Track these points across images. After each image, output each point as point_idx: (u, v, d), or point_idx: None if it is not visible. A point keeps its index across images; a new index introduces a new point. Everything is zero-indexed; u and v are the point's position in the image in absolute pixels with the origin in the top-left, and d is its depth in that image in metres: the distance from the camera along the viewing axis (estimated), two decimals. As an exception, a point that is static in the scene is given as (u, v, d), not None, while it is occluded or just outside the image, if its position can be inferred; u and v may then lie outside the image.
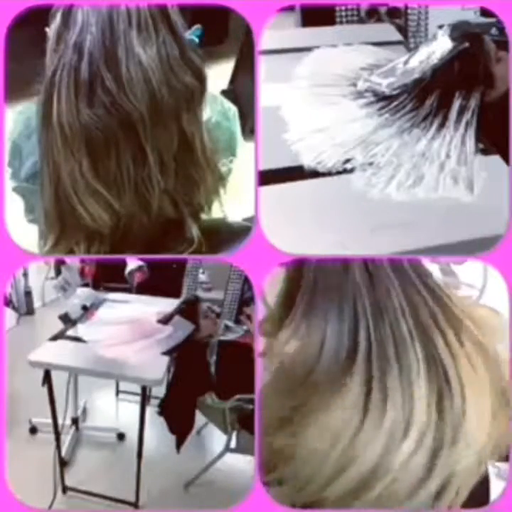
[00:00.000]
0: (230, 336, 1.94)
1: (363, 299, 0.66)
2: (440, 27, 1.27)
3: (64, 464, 1.93)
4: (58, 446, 1.88)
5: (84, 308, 2.03)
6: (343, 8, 1.75)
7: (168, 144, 0.83)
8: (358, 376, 0.62)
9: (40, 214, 0.90)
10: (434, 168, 1.11)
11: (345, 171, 1.12)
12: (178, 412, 1.89)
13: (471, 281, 1.23)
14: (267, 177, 1.08)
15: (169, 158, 0.84)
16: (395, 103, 1.24)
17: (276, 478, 0.64)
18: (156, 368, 1.66)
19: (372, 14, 1.78)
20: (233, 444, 2.02)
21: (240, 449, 2.01)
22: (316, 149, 1.16)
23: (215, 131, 1.01)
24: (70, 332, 1.89)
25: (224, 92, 2.05)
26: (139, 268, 2.38)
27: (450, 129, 1.18)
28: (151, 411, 1.95)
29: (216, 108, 1.08)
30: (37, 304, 3.88)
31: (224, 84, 2.23)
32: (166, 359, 1.73)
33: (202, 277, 2.62)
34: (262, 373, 0.80)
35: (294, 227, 1.01)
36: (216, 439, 2.18)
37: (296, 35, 1.72)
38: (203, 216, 0.93)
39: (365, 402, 0.62)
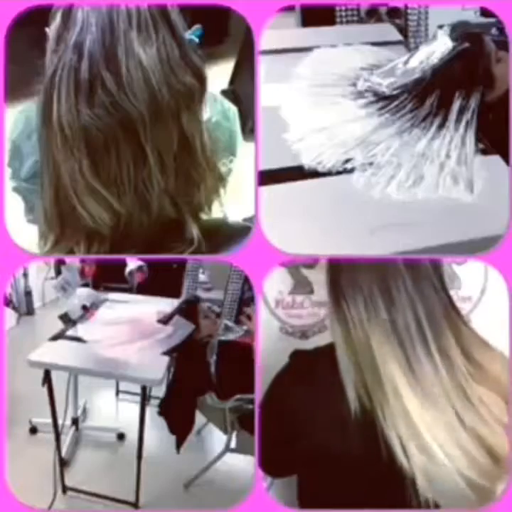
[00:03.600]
0: (230, 336, 1.94)
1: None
2: (440, 27, 1.26)
3: (64, 464, 1.93)
4: (58, 446, 1.88)
5: (84, 308, 2.03)
6: (343, 8, 1.75)
7: (168, 144, 0.83)
8: None
9: (40, 214, 0.90)
10: (434, 168, 1.11)
11: (345, 171, 1.12)
12: (178, 412, 1.89)
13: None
14: (267, 177, 1.08)
15: (169, 158, 0.84)
16: (395, 103, 1.23)
17: None
18: (156, 367, 1.66)
19: (372, 14, 1.78)
20: (233, 444, 2.02)
21: (240, 449, 2.01)
22: (316, 149, 1.16)
23: (215, 131, 1.01)
24: (70, 332, 1.89)
25: (224, 92, 2.05)
26: (139, 268, 2.38)
27: (450, 129, 1.18)
28: (151, 411, 1.95)
29: (216, 108, 1.08)
30: (37, 304, 3.88)
31: (224, 84, 2.23)
32: (166, 359, 1.73)
33: (202, 277, 2.61)
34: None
35: (294, 227, 1.01)
36: (216, 439, 2.18)
37: (296, 35, 1.72)
38: (203, 216, 0.93)
39: None
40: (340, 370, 0.77)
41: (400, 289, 0.76)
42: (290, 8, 1.74)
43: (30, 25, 1.01)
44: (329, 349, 0.80)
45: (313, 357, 0.86)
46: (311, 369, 0.83)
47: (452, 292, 0.81)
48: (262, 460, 0.92)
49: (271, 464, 0.93)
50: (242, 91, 2.09)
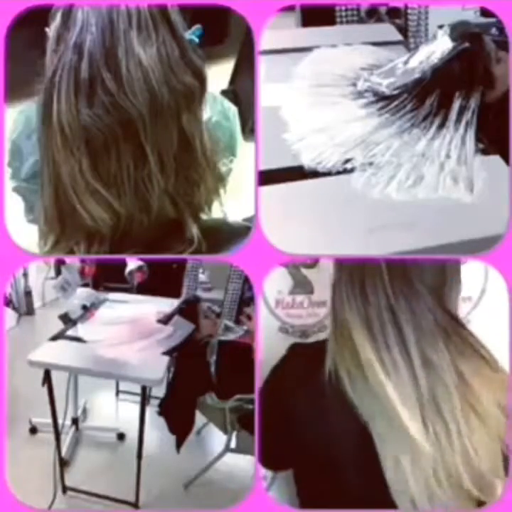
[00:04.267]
0: (230, 336, 1.94)
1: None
2: (440, 27, 1.26)
3: (64, 464, 1.93)
4: (58, 446, 1.87)
5: (84, 308, 2.03)
6: (343, 8, 1.75)
7: (168, 143, 0.83)
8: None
9: (40, 214, 0.90)
10: (434, 168, 1.11)
11: (345, 171, 1.12)
12: (178, 412, 1.89)
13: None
14: (267, 177, 1.08)
15: (169, 158, 0.84)
16: (395, 103, 1.24)
17: None
18: (156, 367, 1.66)
19: (372, 14, 1.78)
20: (233, 444, 2.02)
21: (240, 449, 2.01)
22: (316, 149, 1.16)
23: (215, 131, 1.01)
24: (70, 332, 1.89)
25: (224, 92, 2.05)
26: (139, 268, 2.38)
27: (450, 129, 1.18)
28: (151, 411, 1.95)
29: (216, 108, 1.08)
30: (37, 304, 3.88)
31: (224, 84, 2.23)
32: (166, 359, 1.73)
33: (202, 277, 2.62)
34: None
35: (294, 227, 1.01)
36: (216, 439, 2.18)
37: (296, 35, 1.72)
38: (203, 216, 0.93)
39: None
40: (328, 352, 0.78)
41: (376, 286, 0.75)
42: (290, 8, 1.74)
43: (30, 25, 1.01)
44: (327, 343, 0.81)
45: (311, 350, 0.87)
46: (308, 361, 0.83)
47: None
48: (260, 452, 0.92)
49: (269, 456, 0.93)
50: (242, 91, 2.09)
